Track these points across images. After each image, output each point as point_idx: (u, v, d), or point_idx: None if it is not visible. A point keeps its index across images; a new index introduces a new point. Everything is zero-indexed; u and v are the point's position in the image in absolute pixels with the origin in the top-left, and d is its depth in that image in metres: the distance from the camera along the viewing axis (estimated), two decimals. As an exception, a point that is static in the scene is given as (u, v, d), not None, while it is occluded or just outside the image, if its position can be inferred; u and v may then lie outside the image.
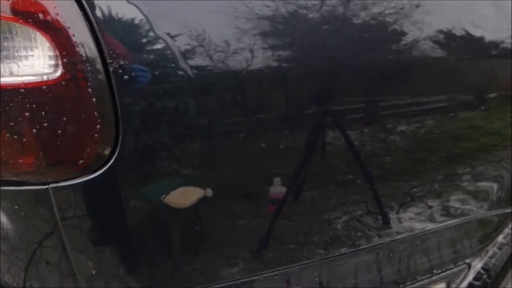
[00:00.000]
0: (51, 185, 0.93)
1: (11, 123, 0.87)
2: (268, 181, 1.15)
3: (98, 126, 0.91)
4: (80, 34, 0.88)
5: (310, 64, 1.15)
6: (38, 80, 0.87)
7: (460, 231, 1.52)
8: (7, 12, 0.85)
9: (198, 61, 1.00)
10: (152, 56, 0.97)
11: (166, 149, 1.02)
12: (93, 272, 1.01)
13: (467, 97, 1.45)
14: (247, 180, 1.15)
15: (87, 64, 0.89)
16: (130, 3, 0.95)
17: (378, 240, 1.35)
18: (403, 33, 1.26)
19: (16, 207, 0.97)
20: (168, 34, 0.98)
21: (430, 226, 1.44)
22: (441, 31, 1.32)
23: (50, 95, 0.87)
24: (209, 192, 1.07)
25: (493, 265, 1.61)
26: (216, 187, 1.08)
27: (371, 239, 1.34)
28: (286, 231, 1.22)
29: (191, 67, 0.99)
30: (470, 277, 1.56)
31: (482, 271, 1.58)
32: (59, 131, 0.88)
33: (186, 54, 0.99)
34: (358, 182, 1.29)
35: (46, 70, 0.87)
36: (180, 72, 0.99)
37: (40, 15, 0.86)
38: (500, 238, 1.63)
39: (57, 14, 0.87)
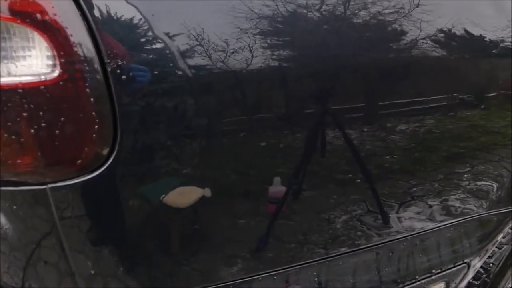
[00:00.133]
0: (49, 185, 0.93)
1: (9, 123, 0.87)
2: (268, 181, 1.15)
3: (96, 126, 0.91)
4: (78, 34, 0.88)
5: (309, 63, 1.16)
6: (36, 80, 0.86)
7: (460, 231, 1.52)
8: (4, 12, 0.85)
9: (196, 60, 1.00)
10: (150, 56, 0.97)
11: (164, 148, 1.02)
12: (92, 272, 1.01)
13: (467, 96, 1.45)
14: (246, 180, 1.15)
15: (85, 64, 0.89)
16: (128, 3, 0.95)
17: (378, 239, 1.35)
18: (403, 32, 1.26)
19: (14, 207, 0.97)
20: (167, 34, 0.98)
21: (429, 225, 1.44)
22: (440, 30, 1.32)
23: (48, 95, 0.87)
24: (208, 192, 1.07)
25: (493, 265, 1.61)
26: (216, 187, 1.08)
27: (371, 239, 1.34)
28: (286, 230, 1.22)
29: (190, 67, 1.00)
30: (470, 276, 1.56)
31: (482, 271, 1.58)
32: (57, 131, 0.88)
33: (185, 54, 0.99)
34: (358, 181, 1.29)
35: (44, 70, 0.87)
36: (179, 72, 0.99)
37: (38, 15, 0.86)
38: (499, 237, 1.64)
39: (55, 14, 0.86)
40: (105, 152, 0.93)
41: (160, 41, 0.97)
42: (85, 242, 0.99)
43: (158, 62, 0.98)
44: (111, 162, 0.94)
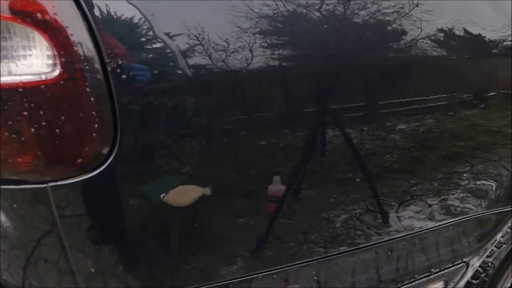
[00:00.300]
0: (50, 184, 0.93)
1: (10, 122, 0.87)
2: (268, 180, 1.15)
3: (96, 125, 0.91)
4: (78, 33, 0.89)
5: (309, 63, 1.16)
6: (36, 80, 0.87)
7: (459, 230, 1.52)
8: (5, 11, 0.85)
9: (196, 60, 1.00)
10: (150, 55, 0.97)
11: (164, 147, 1.02)
12: (92, 270, 1.01)
13: (466, 96, 1.46)
14: (246, 179, 1.15)
15: (85, 64, 0.89)
16: (128, 2, 0.95)
17: (377, 238, 1.35)
18: (403, 32, 1.26)
19: (14, 205, 0.97)
20: (167, 33, 0.98)
21: (429, 224, 1.44)
22: (440, 30, 1.32)
23: (48, 94, 0.87)
24: (208, 191, 1.07)
25: (491, 264, 1.61)
26: (215, 186, 1.08)
27: (370, 238, 1.34)
28: (285, 229, 1.22)
29: (189, 66, 1.00)
30: (468, 275, 1.56)
31: (481, 270, 1.58)
32: (58, 130, 0.89)
33: (184, 53, 0.99)
34: (358, 180, 1.29)
35: (44, 70, 0.87)
36: (179, 71, 0.99)
37: (38, 15, 0.86)
38: (498, 236, 1.64)
39: (55, 14, 0.86)
40: (105, 151, 0.94)
41: (160, 40, 0.97)
42: (85, 240, 1.00)
43: (158, 62, 0.98)
44: (111, 161, 0.94)
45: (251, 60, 1.05)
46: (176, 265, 1.11)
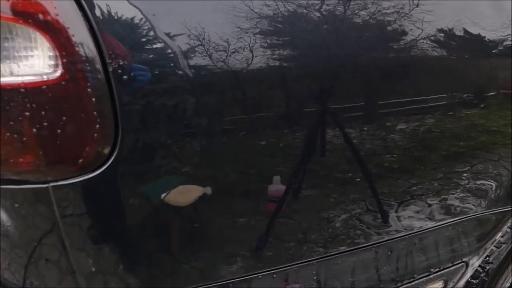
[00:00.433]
0: (51, 184, 0.93)
1: (12, 123, 0.87)
2: (268, 179, 1.15)
3: (97, 126, 0.91)
4: (80, 34, 0.89)
5: (309, 63, 1.16)
6: (38, 80, 0.87)
7: (458, 230, 1.52)
8: (7, 12, 0.85)
9: (197, 60, 1.01)
10: (151, 56, 0.97)
11: (165, 148, 1.02)
12: (93, 270, 1.01)
13: (466, 96, 1.46)
14: (246, 178, 1.15)
15: (87, 64, 0.89)
16: (129, 3, 0.96)
17: (377, 238, 1.35)
18: (403, 32, 1.27)
19: (16, 205, 0.97)
20: (167, 33, 0.98)
21: (429, 224, 1.44)
22: (440, 30, 1.32)
23: (50, 94, 0.87)
24: (208, 190, 1.07)
25: (491, 264, 1.61)
26: (216, 185, 1.09)
27: (370, 238, 1.34)
28: (285, 229, 1.22)
29: (190, 66, 1.00)
30: (468, 275, 1.56)
31: (480, 269, 1.59)
32: (59, 131, 0.89)
33: (185, 54, 0.99)
34: (358, 180, 1.29)
35: (46, 70, 0.87)
36: (179, 72, 0.99)
37: (40, 16, 0.86)
38: (498, 236, 1.64)
39: (57, 15, 0.87)
40: (106, 151, 0.94)
41: (161, 40, 0.98)
42: (86, 240, 1.00)
43: (159, 62, 0.98)
44: (112, 161, 0.95)
45: (251, 60, 1.05)
46: (176, 264, 1.12)
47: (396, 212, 1.37)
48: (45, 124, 0.88)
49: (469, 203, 1.53)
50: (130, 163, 0.99)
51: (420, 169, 1.40)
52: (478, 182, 1.55)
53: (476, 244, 1.59)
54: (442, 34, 1.33)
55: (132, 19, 0.96)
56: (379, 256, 1.37)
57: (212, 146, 1.07)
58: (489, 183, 1.57)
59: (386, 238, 1.37)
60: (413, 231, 1.42)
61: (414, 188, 1.41)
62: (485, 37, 1.45)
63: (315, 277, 1.27)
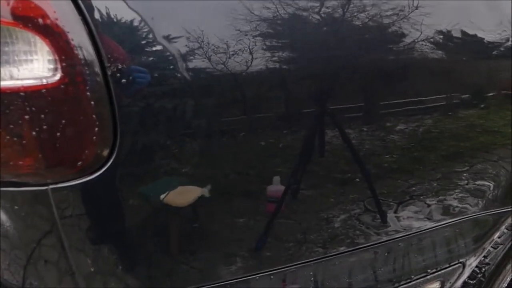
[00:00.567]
0: (50, 186, 0.94)
1: (11, 126, 0.88)
2: (267, 180, 1.16)
3: (96, 129, 0.92)
4: (79, 37, 0.89)
5: (308, 63, 1.16)
6: (38, 84, 0.88)
7: (456, 230, 1.52)
8: (7, 17, 0.86)
9: (196, 62, 1.01)
10: (149, 59, 0.98)
11: (164, 149, 1.03)
12: (92, 270, 1.02)
13: (465, 96, 1.46)
14: (245, 179, 1.16)
15: (86, 68, 0.90)
16: (128, 6, 0.96)
17: (376, 238, 1.36)
18: (403, 34, 1.27)
19: (16, 207, 0.98)
20: (166, 36, 0.99)
21: (428, 225, 1.45)
22: (439, 32, 1.33)
23: (49, 98, 0.88)
24: (208, 191, 1.08)
25: (488, 264, 1.62)
26: (215, 186, 1.09)
27: (369, 238, 1.35)
28: (285, 229, 1.23)
29: (189, 69, 1.01)
30: (465, 276, 1.57)
31: (477, 270, 1.59)
32: (58, 134, 0.90)
33: (184, 56, 1.00)
34: (357, 180, 1.30)
35: (46, 74, 0.88)
36: (178, 74, 1.00)
37: (40, 20, 0.87)
38: (495, 237, 1.64)
39: (56, 19, 0.87)
40: (105, 153, 0.95)
41: (160, 43, 0.98)
42: (85, 241, 1.01)
43: (158, 65, 0.99)
44: (111, 164, 0.95)
45: (251, 62, 1.06)
46: (175, 265, 1.12)
47: (395, 212, 1.38)
48: (45, 127, 0.89)
49: (467, 203, 1.53)
50: (129, 165, 0.99)
51: (419, 170, 1.41)
52: (477, 183, 1.56)
53: (473, 244, 1.59)
54: (441, 36, 1.34)
55: (131, 22, 0.96)
56: (377, 256, 1.37)
57: (212, 147, 1.08)
58: (487, 183, 1.57)
59: (385, 239, 1.37)
60: (411, 232, 1.42)
61: (413, 188, 1.41)
62: (483, 39, 1.45)
63: (312, 278, 1.28)
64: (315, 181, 1.25)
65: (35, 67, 0.88)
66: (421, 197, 1.43)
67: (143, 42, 0.98)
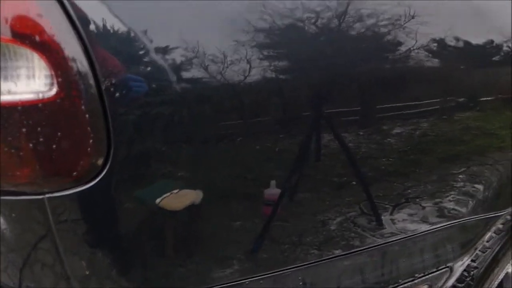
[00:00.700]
0: (47, 195, 0.97)
1: (10, 138, 0.91)
2: (264, 183, 1.17)
3: (90, 140, 0.94)
4: (74, 52, 0.92)
5: (305, 69, 1.18)
6: (35, 98, 0.91)
7: (445, 234, 1.53)
8: (6, 33, 0.89)
9: (193, 73, 1.03)
10: (143, 70, 0.99)
11: (157, 157, 1.05)
12: (87, 273, 1.05)
13: (461, 100, 1.47)
14: (242, 183, 1.17)
15: (81, 82, 0.92)
16: (120, 20, 0.98)
17: (372, 241, 1.37)
18: (399, 43, 1.28)
19: (13, 215, 1.01)
20: (160, 48, 1.01)
21: (422, 227, 1.47)
22: (434, 40, 1.34)
23: (46, 112, 0.91)
24: (203, 195, 1.10)
25: (477, 268, 1.63)
26: (211, 190, 1.12)
27: (364, 241, 1.36)
28: (281, 232, 1.24)
29: (183, 80, 1.03)
30: (453, 279, 1.58)
31: (466, 274, 1.60)
32: (54, 146, 0.92)
33: (179, 67, 1.02)
34: (353, 183, 1.31)
35: (42, 89, 0.91)
36: (172, 85, 1.02)
37: (37, 37, 0.89)
38: (484, 241, 1.66)
39: (53, 35, 0.90)
40: (99, 163, 0.97)
41: (154, 56, 1.00)
42: (80, 248, 1.03)
43: (153, 75, 1.00)
44: (105, 173, 0.98)
45: (247, 66, 1.07)
46: (171, 268, 1.14)
47: (391, 215, 1.39)
48: (41, 139, 0.92)
49: (457, 207, 1.54)
50: (123, 174, 1.01)
51: (415, 173, 1.42)
52: (470, 187, 1.57)
53: (461, 249, 1.60)
54: (436, 44, 1.35)
55: (125, 36, 0.98)
56: (367, 260, 1.39)
57: (208, 151, 1.09)
58: (478, 188, 1.59)
59: (379, 242, 1.39)
60: (406, 235, 1.44)
61: (409, 191, 1.42)
62: (479, 44, 1.46)
63: (300, 283, 1.29)
64: (311, 184, 1.27)
65: (32, 82, 0.91)
66: (416, 200, 1.44)
67: (137, 54, 0.99)
